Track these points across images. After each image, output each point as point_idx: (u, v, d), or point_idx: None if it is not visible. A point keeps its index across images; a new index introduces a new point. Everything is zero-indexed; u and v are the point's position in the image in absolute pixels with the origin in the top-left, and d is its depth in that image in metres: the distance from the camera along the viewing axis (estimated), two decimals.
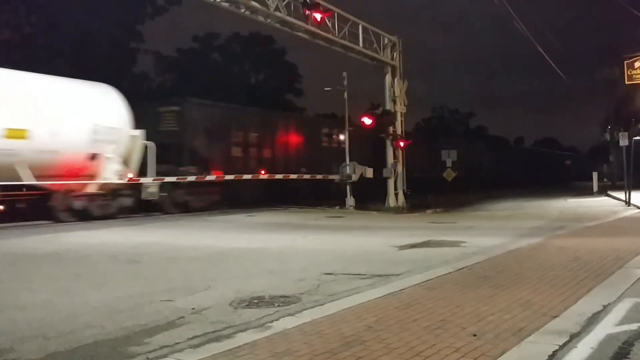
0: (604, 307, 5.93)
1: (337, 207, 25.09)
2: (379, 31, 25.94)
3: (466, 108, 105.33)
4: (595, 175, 38.20)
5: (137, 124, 19.40)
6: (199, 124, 23.71)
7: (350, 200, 25.61)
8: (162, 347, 4.88)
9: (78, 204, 17.49)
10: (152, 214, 19.92)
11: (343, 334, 5.06)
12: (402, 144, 26.48)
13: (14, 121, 15.66)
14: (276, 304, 6.43)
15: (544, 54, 28.54)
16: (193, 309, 6.23)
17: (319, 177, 27.69)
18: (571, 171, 72.19)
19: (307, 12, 20.83)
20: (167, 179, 20.55)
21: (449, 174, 30.61)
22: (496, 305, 6.05)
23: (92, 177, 17.99)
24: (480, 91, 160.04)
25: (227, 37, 50.90)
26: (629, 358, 4.47)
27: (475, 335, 4.96)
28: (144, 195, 19.29)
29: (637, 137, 26.01)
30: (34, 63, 24.25)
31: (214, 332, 5.31)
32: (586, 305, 5.99)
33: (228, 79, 45.76)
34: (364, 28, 24.69)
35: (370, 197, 26.28)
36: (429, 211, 24.20)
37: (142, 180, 19.39)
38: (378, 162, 27.12)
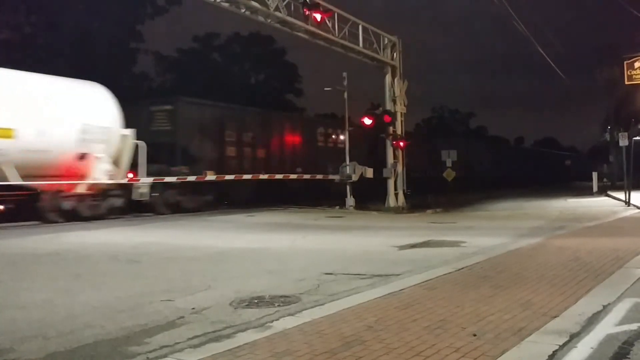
0: (604, 307, 5.94)
1: (337, 207, 25.10)
2: (379, 31, 25.95)
3: (466, 108, 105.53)
4: (595, 175, 38.21)
5: (129, 123, 19.09)
6: (192, 123, 23.29)
7: (350, 200, 25.63)
8: (162, 347, 4.88)
9: (67, 204, 17.16)
10: (143, 214, 19.63)
11: (343, 334, 5.06)
12: (402, 144, 26.49)
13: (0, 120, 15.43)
14: (276, 304, 6.43)
15: (544, 54, 28.60)
16: (193, 309, 6.23)
17: (319, 177, 27.71)
18: (571, 171, 72.15)
19: (307, 12, 20.83)
20: (167, 179, 20.48)
21: (449, 174, 30.64)
22: (496, 305, 6.05)
23: (81, 177, 17.70)
24: (480, 91, 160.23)
25: (227, 37, 50.95)
26: (629, 358, 4.47)
27: (475, 335, 4.96)
28: (134, 196, 18.96)
29: (637, 138, 26.04)
30: (34, 63, 24.26)
31: (214, 332, 5.32)
32: (586, 305, 5.99)
33: (228, 79, 45.76)
34: (364, 28, 24.69)
35: (370, 197, 26.28)
36: (429, 211, 24.21)
37: (142, 180, 19.34)
38: (376, 162, 27.13)
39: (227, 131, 25.23)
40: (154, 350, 4.81)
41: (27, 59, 27.85)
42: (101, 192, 18.13)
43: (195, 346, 4.85)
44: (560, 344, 4.73)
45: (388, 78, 26.53)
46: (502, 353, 4.51)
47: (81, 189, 17.68)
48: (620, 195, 26.57)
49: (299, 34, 22.20)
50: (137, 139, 19.07)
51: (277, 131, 28.70)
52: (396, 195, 26.38)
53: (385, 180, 26.42)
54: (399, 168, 26.49)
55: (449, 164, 31.02)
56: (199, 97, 27.68)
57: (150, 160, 19.24)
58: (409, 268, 8.68)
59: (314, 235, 14.24)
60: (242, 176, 23.99)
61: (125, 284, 7.73)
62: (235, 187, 23.73)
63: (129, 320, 5.82)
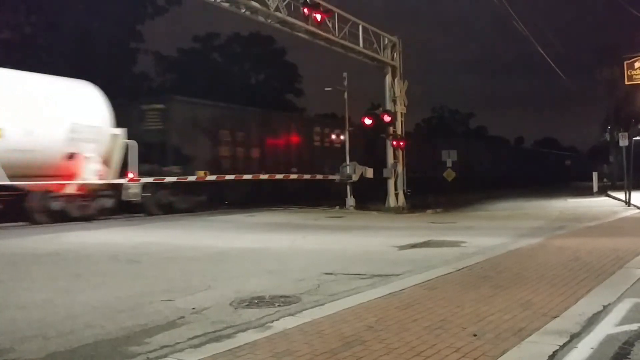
0: (604, 307, 5.93)
1: (337, 207, 25.10)
2: (379, 31, 25.94)
3: (466, 108, 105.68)
4: (595, 175, 38.20)
5: (121, 123, 18.80)
6: (185, 123, 22.94)
7: (350, 201, 25.63)
8: (162, 347, 4.88)
9: (56, 204, 16.84)
10: (134, 215, 19.32)
11: (343, 334, 5.06)
12: (402, 144, 26.48)
13: None
14: (276, 304, 6.43)
15: (544, 54, 28.59)
16: (193, 308, 6.23)
17: (319, 177, 27.69)
18: (571, 171, 72.13)
19: (308, 12, 20.83)
20: (168, 179, 20.47)
21: (449, 174, 30.64)
22: (496, 305, 6.05)
23: (70, 177, 17.41)
24: (480, 91, 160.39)
25: (228, 37, 50.93)
26: (629, 358, 4.47)
27: (475, 336, 4.96)
28: (124, 196, 18.60)
29: (637, 138, 26.02)
30: (34, 63, 24.24)
31: (214, 332, 5.31)
32: (586, 306, 5.99)
33: (228, 79, 45.74)
34: (364, 28, 24.69)
35: (370, 197, 26.28)
36: (429, 211, 24.20)
37: (143, 180, 19.31)
38: (375, 161, 27.08)
39: (220, 131, 24.85)
40: (154, 350, 4.81)
41: (27, 59, 27.81)
42: (91, 193, 17.81)
43: (195, 346, 4.85)
44: (561, 344, 4.73)
45: (388, 78, 26.52)
46: (503, 353, 4.51)
47: (70, 189, 17.42)
48: (621, 195, 26.57)
49: (299, 34, 22.19)
50: (129, 139, 18.75)
51: (273, 131, 28.28)
52: (396, 195, 26.37)
53: (385, 180, 26.42)
54: (399, 168, 26.48)
55: (449, 164, 31.01)
56: (199, 97, 27.49)
57: (141, 160, 18.94)
58: (409, 268, 8.68)
59: (314, 235, 14.24)
60: (242, 176, 23.88)
61: (125, 284, 7.72)
62: (230, 188, 23.48)
63: (129, 320, 5.82)
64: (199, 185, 21.73)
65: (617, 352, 4.59)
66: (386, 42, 26.48)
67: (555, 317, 5.57)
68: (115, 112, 18.66)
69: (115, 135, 18.55)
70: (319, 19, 21.29)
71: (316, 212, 23.04)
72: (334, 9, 22.48)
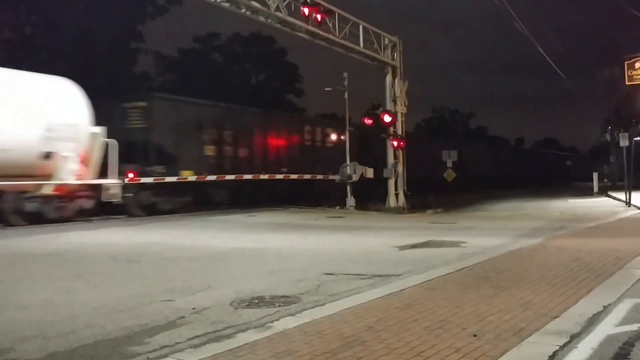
0: (605, 307, 5.93)
1: (338, 207, 25.11)
2: (379, 31, 25.94)
3: (466, 108, 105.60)
4: (595, 175, 38.20)
5: (102, 121, 18.09)
6: (168, 121, 21.77)
7: (350, 201, 25.64)
8: (162, 347, 4.88)
9: (30, 206, 16.24)
10: (115, 216, 18.78)
11: (343, 334, 5.06)
12: (402, 144, 26.48)
13: None
14: (276, 304, 6.43)
15: (544, 54, 28.60)
16: (193, 308, 6.23)
17: (319, 177, 27.67)
18: (571, 171, 72.14)
19: (308, 12, 20.83)
20: (168, 179, 20.45)
21: (450, 175, 30.65)
22: (496, 305, 6.05)
23: (47, 177, 16.70)
24: (480, 91, 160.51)
25: (228, 37, 50.92)
26: (629, 359, 4.47)
27: (475, 336, 4.95)
28: (104, 197, 17.91)
29: (638, 138, 25.99)
30: (34, 63, 24.23)
31: (214, 332, 5.31)
32: (586, 306, 5.99)
33: (228, 79, 45.74)
34: (364, 28, 24.69)
35: (370, 197, 26.27)
36: (429, 211, 24.21)
37: (143, 179, 19.27)
38: (370, 160, 27.04)
39: (206, 129, 23.86)
40: (154, 350, 4.81)
41: (27, 59, 27.82)
42: (69, 193, 17.16)
43: (195, 346, 4.85)
44: (561, 344, 4.73)
45: (388, 78, 26.52)
46: (503, 353, 4.51)
47: (47, 189, 16.73)
48: (621, 195, 26.56)
49: (300, 34, 22.20)
50: (110, 137, 18.05)
51: (261, 130, 27.03)
52: (396, 195, 26.38)
53: (385, 180, 26.42)
54: (400, 168, 26.49)
55: (449, 164, 31.02)
56: (199, 97, 27.21)
57: (123, 159, 18.32)
58: (409, 268, 8.68)
59: (314, 235, 14.24)
60: (242, 176, 23.81)
61: (125, 284, 7.72)
62: (215, 188, 22.95)
63: (129, 320, 5.82)
64: (184, 185, 21.22)
65: (617, 352, 4.59)
66: (386, 42, 26.48)
67: (556, 317, 5.56)
68: (96, 110, 17.96)
69: (94, 134, 17.82)
70: (319, 19, 21.30)
71: (316, 212, 23.04)
72: (335, 9, 22.47)
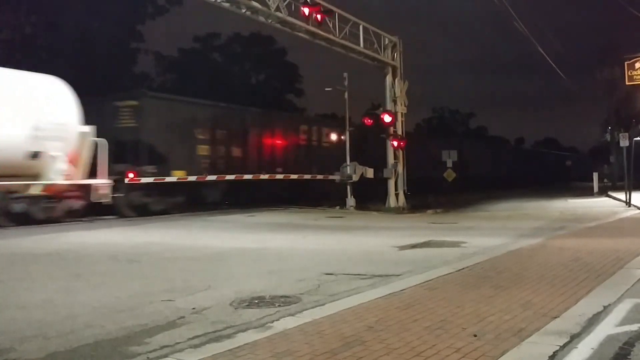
0: (605, 307, 5.93)
1: (338, 207, 25.11)
2: (379, 31, 25.94)
3: (466, 108, 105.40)
4: (595, 175, 38.19)
5: (92, 120, 17.78)
6: (159, 120, 21.28)
7: (350, 201, 25.64)
8: (162, 347, 4.88)
9: (17, 206, 15.89)
10: (105, 217, 18.44)
11: (343, 334, 5.06)
12: (402, 144, 26.49)
13: None
14: (277, 304, 6.43)
15: (544, 54, 28.60)
16: (193, 308, 6.23)
17: (319, 177, 27.66)
18: (571, 172, 72.13)
19: (308, 12, 20.83)
20: (168, 179, 20.43)
21: (450, 175, 30.65)
22: (496, 305, 6.05)
23: (35, 177, 16.41)
24: (480, 91, 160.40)
25: (228, 37, 50.91)
26: (629, 359, 4.47)
27: (475, 336, 4.95)
28: (94, 197, 17.58)
29: (638, 138, 26.00)
30: (34, 63, 24.22)
31: (214, 332, 5.31)
32: (587, 306, 5.99)
33: (228, 79, 45.73)
34: (364, 28, 24.68)
35: (370, 197, 26.26)
36: (429, 211, 24.21)
37: (143, 179, 19.24)
38: (367, 160, 27.03)
39: (198, 128, 23.34)
40: (155, 350, 4.81)
41: (27, 59, 27.81)
42: (57, 194, 16.85)
43: (195, 346, 4.85)
44: (561, 344, 4.73)
45: (389, 78, 26.51)
46: (503, 354, 4.51)
47: (34, 190, 16.42)
48: (621, 195, 26.56)
49: (300, 34, 22.20)
50: (101, 137, 17.71)
51: (255, 129, 26.54)
52: (396, 195, 26.38)
53: (385, 180, 26.42)
54: (400, 168, 26.49)
55: (449, 164, 31.03)
56: (199, 97, 27.10)
57: (114, 159, 18.05)
58: (409, 268, 8.68)
59: (315, 235, 14.25)
60: (242, 176, 23.80)
61: (125, 284, 7.72)
62: (209, 188, 22.73)
63: (129, 320, 5.82)
64: (175, 186, 21.01)
65: (617, 352, 4.59)
66: (386, 42, 26.48)
67: (556, 317, 5.56)
68: (86, 109, 17.66)
69: (83, 133, 17.48)
70: (319, 19, 21.29)
71: (316, 212, 23.04)
72: (335, 9, 22.47)
